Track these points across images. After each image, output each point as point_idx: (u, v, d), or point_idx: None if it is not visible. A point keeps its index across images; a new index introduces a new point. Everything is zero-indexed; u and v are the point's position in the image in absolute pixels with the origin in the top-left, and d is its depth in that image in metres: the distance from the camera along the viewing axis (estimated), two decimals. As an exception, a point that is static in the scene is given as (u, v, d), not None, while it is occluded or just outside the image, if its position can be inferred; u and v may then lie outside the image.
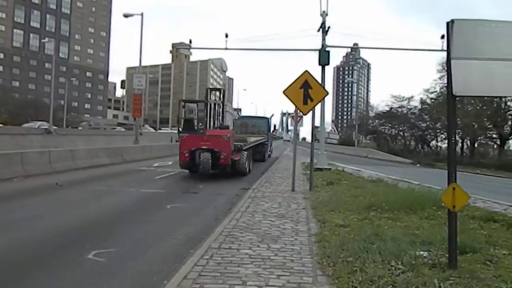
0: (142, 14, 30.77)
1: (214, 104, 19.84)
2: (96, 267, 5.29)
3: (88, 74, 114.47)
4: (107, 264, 5.43)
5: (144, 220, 8.28)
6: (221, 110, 20.26)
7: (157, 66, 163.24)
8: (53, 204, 9.64)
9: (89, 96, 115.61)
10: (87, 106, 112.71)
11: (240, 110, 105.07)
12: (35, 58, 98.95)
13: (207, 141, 16.00)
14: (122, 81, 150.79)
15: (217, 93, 20.77)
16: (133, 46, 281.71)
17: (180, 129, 17.30)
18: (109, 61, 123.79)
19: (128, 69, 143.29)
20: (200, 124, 16.83)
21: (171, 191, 12.22)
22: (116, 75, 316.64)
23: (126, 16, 31.94)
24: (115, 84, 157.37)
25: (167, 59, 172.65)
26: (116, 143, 33.02)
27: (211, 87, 29.87)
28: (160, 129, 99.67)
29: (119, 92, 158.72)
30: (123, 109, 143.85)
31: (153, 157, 25.26)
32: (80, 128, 62.57)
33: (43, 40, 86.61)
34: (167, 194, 11.70)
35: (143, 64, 34.15)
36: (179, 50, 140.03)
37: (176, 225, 7.85)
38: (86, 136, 41.87)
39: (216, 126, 19.22)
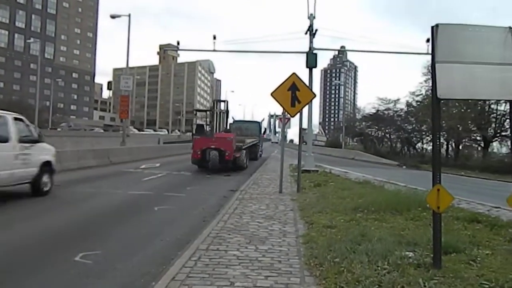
0: (129, 15, 30.60)
1: (220, 112, 24.61)
2: (83, 269, 5.26)
3: (74, 75, 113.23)
4: (94, 266, 5.39)
5: (131, 222, 8.25)
6: (225, 117, 24.78)
7: (144, 67, 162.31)
8: (38, 207, 9.53)
9: (75, 97, 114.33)
10: (73, 107, 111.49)
11: (217, 104, 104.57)
12: (20, 59, 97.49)
13: (215, 142, 19.49)
14: (109, 82, 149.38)
15: (222, 103, 26.50)
16: (120, 47, 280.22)
17: (194, 132, 22.34)
18: (95, 62, 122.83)
19: (115, 70, 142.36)
20: (209, 128, 21.98)
21: (159, 193, 12.17)
22: (103, 76, 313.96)
23: (113, 17, 31.73)
24: (101, 85, 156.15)
25: (154, 60, 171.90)
26: (103, 145, 32.76)
27: (217, 99, 41.41)
28: (143, 130, 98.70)
29: (106, 94, 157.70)
30: (109, 111, 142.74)
31: (140, 159, 25.11)
32: (59, 129, 61.51)
33: (28, 41, 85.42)
34: (154, 196, 11.65)
35: (130, 65, 33.95)
36: (167, 51, 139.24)
37: (163, 227, 7.84)
38: (73, 137, 41.45)
39: (221, 130, 23.21)
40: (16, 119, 10.14)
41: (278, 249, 5.95)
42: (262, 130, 37.22)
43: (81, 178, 14.84)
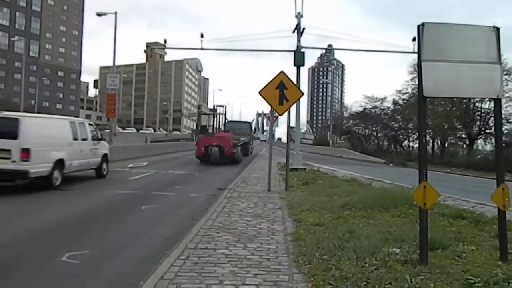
0: (115, 13, 30.26)
1: (219, 115, 33.07)
2: (70, 270, 5.21)
3: (59, 73, 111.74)
4: (82, 266, 5.34)
5: (119, 222, 8.20)
6: (224, 118, 33.49)
7: (131, 65, 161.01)
8: (23, 207, 9.41)
9: (61, 96, 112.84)
10: (58, 106, 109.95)
11: (215, 110, 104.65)
12: (4, 57, 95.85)
13: (216, 140, 23.81)
14: (95, 81, 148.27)
15: (222, 108, 37.35)
16: (107, 45, 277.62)
17: (199, 131, 31.39)
18: (81, 60, 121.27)
19: (101, 68, 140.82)
20: (211, 128, 28.44)
21: (147, 192, 12.10)
22: (89, 74, 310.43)
23: (99, 14, 31.35)
24: (87, 83, 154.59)
25: (141, 59, 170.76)
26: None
27: (218, 104, 43.38)
28: (124, 129, 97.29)
29: (92, 92, 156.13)
30: (96, 109, 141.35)
31: (127, 158, 24.93)
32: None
33: (12, 39, 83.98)
34: (142, 195, 11.59)
35: (117, 63, 33.63)
36: (154, 50, 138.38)
37: (151, 226, 7.80)
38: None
39: (221, 129, 29.65)
40: (90, 124, 15.01)
41: (266, 247, 5.96)
42: (252, 130, 41.62)
43: (67, 178, 14.65)
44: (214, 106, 34.20)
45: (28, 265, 5.31)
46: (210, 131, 27.34)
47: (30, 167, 10.76)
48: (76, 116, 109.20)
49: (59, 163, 12.07)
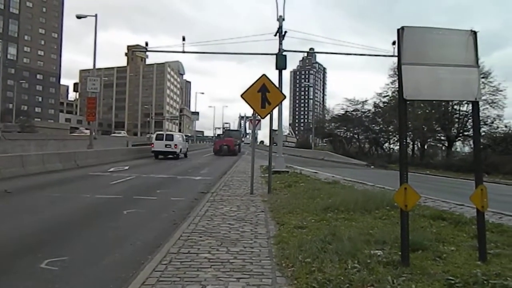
0: (96, 16, 29.94)
1: (226, 130, 69.15)
2: (49, 277, 5.09)
3: (38, 76, 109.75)
4: (61, 273, 5.23)
5: (99, 227, 8.06)
6: (228, 130, 65.94)
7: (112, 68, 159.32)
8: (2, 212, 9.18)
9: (40, 99, 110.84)
10: (37, 109, 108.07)
11: (197, 113, 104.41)
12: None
13: (225, 142, 46.34)
14: (75, 84, 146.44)
15: (227, 124, 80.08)
16: (87, 48, 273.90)
17: (216, 137, 64.78)
18: (61, 63, 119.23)
19: (82, 71, 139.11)
20: (223, 135, 54.50)
21: (128, 196, 11.95)
22: (69, 78, 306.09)
23: (79, 17, 30.96)
24: (67, 87, 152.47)
25: (123, 62, 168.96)
26: (70, 148, 31.94)
27: (225, 122, 79.45)
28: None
29: (72, 95, 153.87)
30: (76, 113, 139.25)
31: (108, 162, 24.64)
32: None
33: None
34: (123, 199, 11.44)
35: (97, 66, 33.26)
36: (135, 52, 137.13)
37: (133, 231, 7.70)
38: (38, 140, 40.18)
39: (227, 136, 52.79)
40: (185, 135, 49.44)
41: (249, 251, 5.94)
42: (241, 135, 67.47)
43: (46, 183, 14.40)
44: (223, 125, 69.08)
45: (4, 272, 5.18)
46: (223, 136, 53.53)
47: (177, 151, 32.19)
48: (55, 120, 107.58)
49: (183, 150, 34.45)
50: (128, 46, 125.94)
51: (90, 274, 5.24)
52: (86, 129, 73.18)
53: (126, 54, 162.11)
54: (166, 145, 31.91)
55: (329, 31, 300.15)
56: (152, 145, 32.90)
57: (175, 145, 32.15)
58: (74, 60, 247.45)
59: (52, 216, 9.07)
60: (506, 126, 38.58)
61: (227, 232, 7.16)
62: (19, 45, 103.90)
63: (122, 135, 66.80)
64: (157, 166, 24.36)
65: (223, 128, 76.67)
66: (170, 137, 32.89)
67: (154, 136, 36.10)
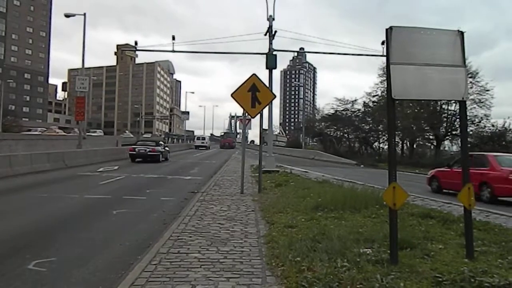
0: (84, 14, 29.67)
1: (225, 133, 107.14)
2: (37, 278, 5.04)
3: (26, 75, 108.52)
4: (49, 274, 5.18)
5: (88, 227, 8.00)
6: (227, 132, 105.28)
7: (101, 68, 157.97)
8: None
9: (28, 99, 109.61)
10: (25, 109, 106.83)
11: (188, 113, 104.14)
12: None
13: (227, 140, 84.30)
14: (64, 83, 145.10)
15: (227, 130, 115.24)
16: (76, 47, 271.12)
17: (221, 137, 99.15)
18: (49, 62, 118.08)
19: (70, 71, 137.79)
20: (226, 135, 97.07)
21: (117, 196, 11.88)
22: (58, 77, 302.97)
23: (67, 16, 30.64)
24: (56, 86, 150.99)
25: (113, 61, 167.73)
26: (58, 148, 31.63)
27: (230, 127, 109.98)
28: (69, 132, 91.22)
29: (61, 95, 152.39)
30: (65, 113, 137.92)
31: (97, 162, 24.49)
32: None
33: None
34: (113, 199, 11.37)
35: (86, 66, 32.97)
36: (124, 52, 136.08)
37: (122, 231, 7.66)
38: (26, 140, 39.69)
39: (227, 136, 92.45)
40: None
41: (239, 250, 5.94)
42: (235, 135, 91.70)
43: (34, 183, 14.26)
44: (227, 129, 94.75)
45: (-8, 274, 5.12)
46: (224, 136, 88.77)
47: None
48: (43, 120, 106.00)
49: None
50: (118, 45, 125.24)
51: (78, 275, 5.19)
52: (60, 128, 68.69)
53: (115, 53, 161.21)
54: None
55: (322, 31, 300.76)
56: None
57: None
58: (63, 59, 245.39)
59: (40, 216, 8.99)
60: (493, 125, 38.97)
61: (217, 231, 7.15)
62: (6, 44, 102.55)
63: (98, 134, 61.98)
64: (147, 166, 24.24)
65: (224, 132, 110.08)
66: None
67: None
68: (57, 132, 56.69)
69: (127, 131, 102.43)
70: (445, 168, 15.62)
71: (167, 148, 33.33)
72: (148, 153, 27.89)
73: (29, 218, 8.75)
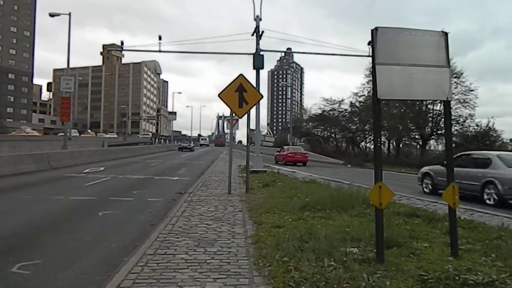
0: (69, 14, 29.40)
1: (218, 134, 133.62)
2: (20, 281, 4.96)
3: (10, 76, 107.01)
4: (33, 277, 5.10)
5: (73, 229, 7.90)
6: (219, 134, 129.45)
7: (87, 68, 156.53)
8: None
9: (12, 99, 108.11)
10: (9, 110, 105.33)
11: (175, 113, 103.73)
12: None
13: (219, 140, 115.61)
14: (49, 84, 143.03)
15: (219, 132, 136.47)
16: (61, 47, 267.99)
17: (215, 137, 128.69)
18: (33, 62, 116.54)
19: (55, 71, 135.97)
20: (218, 136, 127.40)
21: (103, 197, 11.76)
22: (43, 77, 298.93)
23: (52, 15, 30.32)
24: (40, 86, 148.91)
25: (99, 61, 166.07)
26: (43, 149, 31.24)
27: (222, 131, 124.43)
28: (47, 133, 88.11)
29: (46, 95, 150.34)
30: (50, 113, 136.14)
31: (83, 163, 24.23)
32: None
33: (-43, 39, 79.70)
34: (98, 201, 11.25)
35: (72, 66, 32.62)
36: (111, 51, 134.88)
37: (108, 233, 7.58)
38: (10, 142, 39.14)
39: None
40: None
41: (227, 251, 5.93)
42: (225, 136, 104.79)
43: (18, 185, 14.05)
44: (223, 128, 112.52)
45: (-26, 278, 5.02)
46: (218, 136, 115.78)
47: None
48: (28, 121, 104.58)
49: None
50: (104, 45, 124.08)
51: (64, 278, 5.12)
52: (33, 129, 60.64)
53: (101, 53, 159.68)
54: None
55: (310, 31, 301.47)
56: None
57: None
58: (49, 59, 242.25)
59: (24, 219, 8.84)
60: (477, 125, 39.60)
61: (204, 232, 7.13)
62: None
63: (73, 134, 58.02)
64: (134, 167, 24.07)
65: (217, 133, 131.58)
66: None
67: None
68: (27, 133, 49.69)
69: (73, 131, 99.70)
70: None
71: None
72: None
73: (13, 220, 8.61)
